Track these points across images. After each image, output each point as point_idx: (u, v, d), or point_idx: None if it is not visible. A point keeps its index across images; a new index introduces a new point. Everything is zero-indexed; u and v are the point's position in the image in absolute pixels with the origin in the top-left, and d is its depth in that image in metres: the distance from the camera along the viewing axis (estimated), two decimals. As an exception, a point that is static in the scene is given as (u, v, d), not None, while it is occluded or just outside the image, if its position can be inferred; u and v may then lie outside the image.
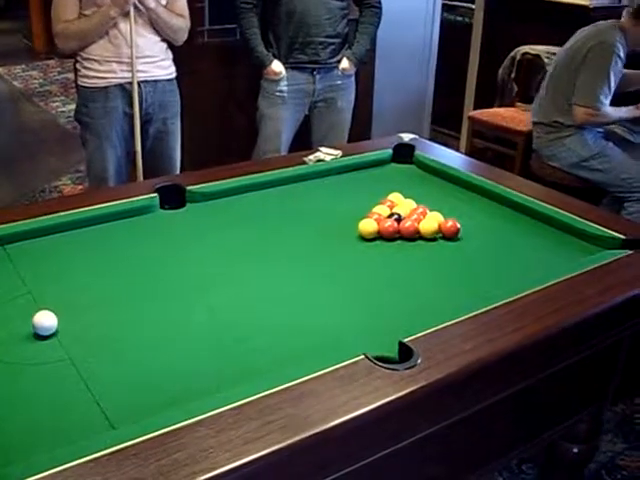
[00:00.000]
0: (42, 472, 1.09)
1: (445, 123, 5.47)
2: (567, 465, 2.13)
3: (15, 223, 1.93)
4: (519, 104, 4.52)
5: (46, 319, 1.51)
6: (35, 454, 1.14)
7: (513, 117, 4.33)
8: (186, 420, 1.20)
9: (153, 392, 1.35)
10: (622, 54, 3.44)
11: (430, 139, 3.37)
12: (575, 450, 2.05)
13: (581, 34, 3.63)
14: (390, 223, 1.99)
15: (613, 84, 3.45)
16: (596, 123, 3.54)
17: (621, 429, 2.61)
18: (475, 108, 4.92)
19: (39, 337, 1.50)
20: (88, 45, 2.88)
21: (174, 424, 1.19)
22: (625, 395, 2.32)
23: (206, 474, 1.10)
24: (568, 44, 3.68)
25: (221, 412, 1.23)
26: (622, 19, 3.51)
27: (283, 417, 1.23)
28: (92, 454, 1.13)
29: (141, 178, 3.00)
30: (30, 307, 1.59)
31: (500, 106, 4.59)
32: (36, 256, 1.86)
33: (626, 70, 3.59)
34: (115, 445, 1.14)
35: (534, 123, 3.80)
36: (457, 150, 3.77)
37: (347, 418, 1.24)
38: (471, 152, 4.33)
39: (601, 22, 3.60)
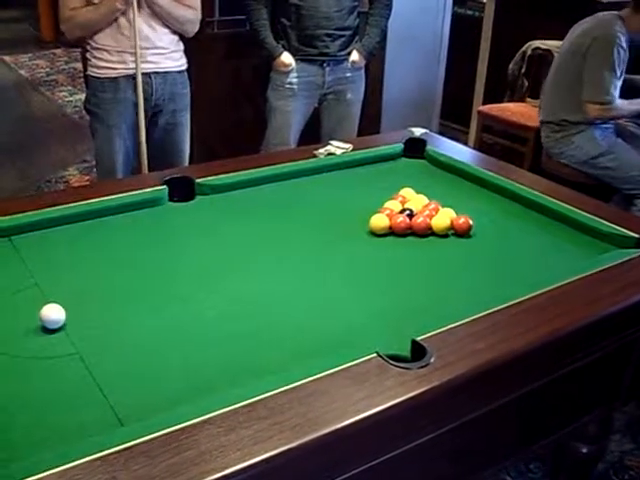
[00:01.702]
0: (49, 469, 1.08)
1: (454, 117, 5.43)
2: (576, 465, 2.12)
3: (22, 214, 1.92)
4: (529, 99, 4.48)
5: (54, 312, 1.49)
6: (42, 450, 1.13)
7: (523, 112, 4.30)
8: (196, 418, 1.19)
9: (162, 388, 1.33)
10: (624, 44, 3.40)
11: (439, 133, 3.33)
12: (584, 450, 2.04)
13: (580, 27, 3.59)
14: (402, 219, 1.97)
15: (619, 74, 3.41)
16: (609, 117, 3.51)
17: (630, 429, 2.59)
18: (485, 103, 4.88)
19: (47, 330, 1.49)
20: (94, 34, 2.86)
21: (184, 422, 1.18)
22: (635, 396, 2.31)
23: (217, 474, 1.09)
24: (568, 38, 3.64)
25: (232, 410, 1.21)
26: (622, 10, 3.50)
27: (294, 416, 1.21)
28: (100, 451, 1.11)
29: (146, 170, 2.97)
30: (37, 300, 1.57)
31: (510, 101, 4.56)
32: (43, 248, 1.84)
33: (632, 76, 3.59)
34: (124, 443, 1.13)
35: (541, 122, 3.76)
36: (465, 145, 3.74)
37: (359, 418, 1.23)
38: (480, 147, 4.30)
39: (600, 13, 3.58)
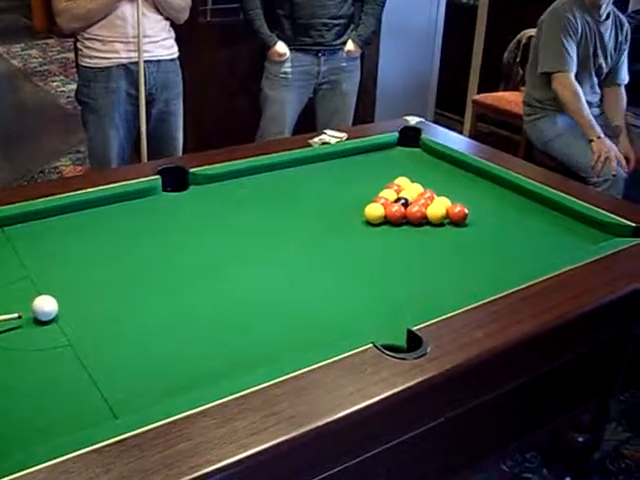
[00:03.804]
0: (42, 462, 1.06)
1: (449, 106, 5.42)
2: (572, 454, 2.12)
3: (15, 205, 1.90)
4: (524, 88, 4.47)
5: (46, 304, 1.48)
6: (36, 443, 1.12)
7: (518, 101, 4.26)
8: (190, 410, 1.18)
9: (156, 380, 1.32)
10: (573, 19, 3.41)
11: (434, 122, 3.32)
12: (580, 439, 2.04)
13: None
14: (397, 208, 1.96)
15: (570, 48, 3.41)
16: (568, 94, 3.42)
17: (626, 418, 2.59)
18: (480, 92, 4.87)
19: (39, 322, 1.47)
20: (91, 25, 2.83)
21: (178, 414, 1.17)
22: (632, 385, 2.30)
23: (211, 466, 1.08)
24: None
25: (226, 402, 1.20)
26: None
27: (289, 407, 1.20)
28: (94, 444, 1.10)
29: (145, 160, 2.96)
30: (30, 291, 1.56)
31: (505, 90, 4.54)
32: (36, 239, 1.83)
33: None
34: (117, 435, 1.12)
35: (522, 103, 3.81)
36: (460, 134, 3.73)
37: (355, 409, 1.22)
38: (475, 136, 4.28)
39: None
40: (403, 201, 2.00)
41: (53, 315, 1.49)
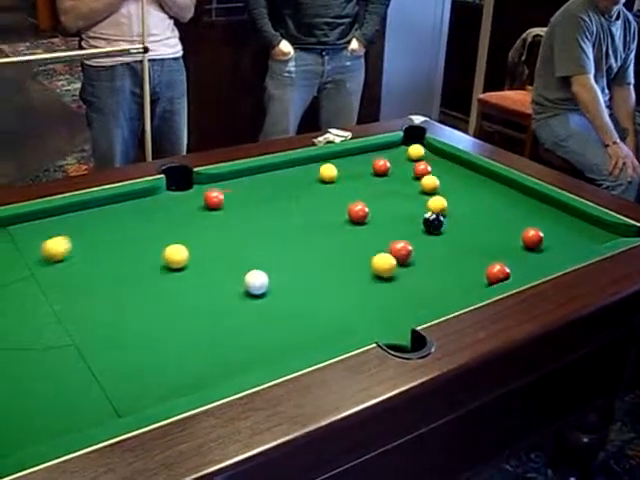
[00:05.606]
0: (43, 462, 1.06)
1: (454, 105, 5.41)
2: (577, 454, 2.11)
3: (19, 204, 1.90)
4: (530, 87, 4.45)
5: (257, 278, 1.59)
6: (38, 443, 1.11)
7: (523, 100, 4.26)
8: (193, 410, 1.17)
9: (160, 380, 1.32)
10: (588, 20, 3.38)
11: (439, 121, 3.31)
12: (585, 440, 2.03)
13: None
14: (360, 207, 1.95)
15: (587, 50, 3.38)
16: (589, 97, 3.39)
17: (630, 418, 2.58)
18: (485, 91, 4.86)
19: (252, 296, 1.59)
20: (96, 24, 2.83)
21: (181, 413, 1.16)
22: (637, 385, 2.30)
23: (214, 466, 1.07)
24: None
25: (229, 402, 1.20)
26: None
27: (293, 407, 1.20)
28: (96, 444, 1.10)
29: (149, 159, 2.95)
30: (33, 291, 1.56)
31: (510, 89, 4.53)
32: (40, 238, 1.81)
33: None
34: (120, 435, 1.11)
35: (531, 102, 3.77)
36: (465, 133, 3.71)
37: (358, 409, 1.21)
38: (480, 135, 4.27)
39: None
40: (434, 216, 1.92)
41: (264, 289, 1.60)
